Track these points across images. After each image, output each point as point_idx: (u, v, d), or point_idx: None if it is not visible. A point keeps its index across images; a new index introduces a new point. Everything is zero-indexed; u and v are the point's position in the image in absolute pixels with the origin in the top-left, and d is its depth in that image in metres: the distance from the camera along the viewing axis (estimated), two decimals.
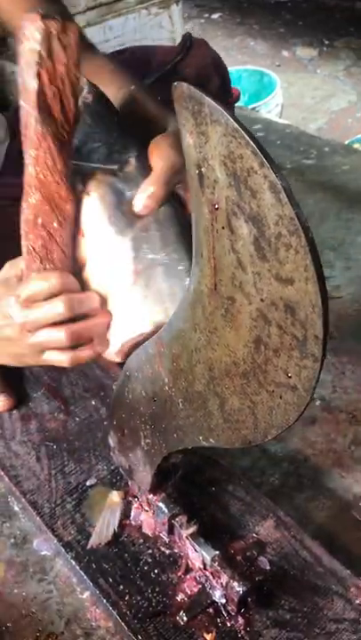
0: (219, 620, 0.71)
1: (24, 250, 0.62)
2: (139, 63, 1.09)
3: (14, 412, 0.95)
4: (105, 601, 0.74)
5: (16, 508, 0.87)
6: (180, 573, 0.75)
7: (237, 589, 0.69)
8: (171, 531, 0.76)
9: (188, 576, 0.75)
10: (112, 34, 1.81)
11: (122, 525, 0.80)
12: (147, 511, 0.79)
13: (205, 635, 0.70)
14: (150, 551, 0.78)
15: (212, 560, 0.70)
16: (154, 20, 1.88)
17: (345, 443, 0.96)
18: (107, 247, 0.62)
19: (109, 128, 0.66)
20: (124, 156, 0.64)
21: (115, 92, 0.78)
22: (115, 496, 0.81)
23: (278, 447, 0.95)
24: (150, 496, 0.76)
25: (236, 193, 0.40)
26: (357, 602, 0.73)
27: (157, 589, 0.74)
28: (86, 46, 0.89)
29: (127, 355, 0.65)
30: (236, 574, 0.69)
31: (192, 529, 0.74)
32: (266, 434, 0.49)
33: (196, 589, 0.73)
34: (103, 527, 0.79)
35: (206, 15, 3.63)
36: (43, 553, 0.83)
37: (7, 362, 0.68)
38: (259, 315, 0.43)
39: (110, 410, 0.77)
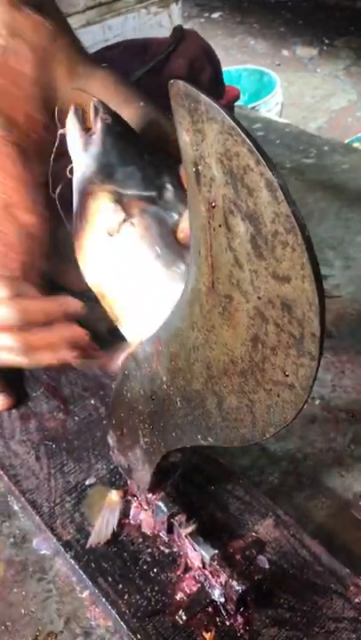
0: (218, 618, 0.71)
1: None
2: (131, 56, 1.09)
3: (13, 411, 0.95)
4: (104, 600, 0.74)
5: (15, 508, 0.87)
6: (179, 572, 0.75)
7: (236, 588, 0.69)
8: (170, 530, 0.76)
9: (187, 575, 0.75)
10: (111, 33, 1.81)
11: (121, 524, 0.80)
12: (146, 510, 0.79)
13: (204, 633, 0.70)
14: (149, 550, 0.78)
15: (212, 559, 0.70)
16: (153, 19, 1.88)
17: (345, 442, 0.96)
18: (155, 282, 0.60)
19: (139, 150, 0.65)
20: (159, 181, 0.62)
21: (124, 109, 0.78)
22: (114, 495, 0.81)
23: (278, 446, 0.95)
24: (149, 495, 0.76)
25: (232, 191, 0.40)
26: (357, 601, 0.72)
27: (156, 588, 0.74)
28: (85, 58, 0.89)
29: None
30: (236, 573, 0.69)
31: (191, 528, 0.74)
32: (264, 432, 0.49)
33: (195, 588, 0.73)
34: (102, 526, 0.79)
35: (206, 14, 3.63)
36: (42, 552, 0.83)
37: None
38: (256, 313, 0.43)
39: (109, 409, 0.76)
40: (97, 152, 0.63)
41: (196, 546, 0.72)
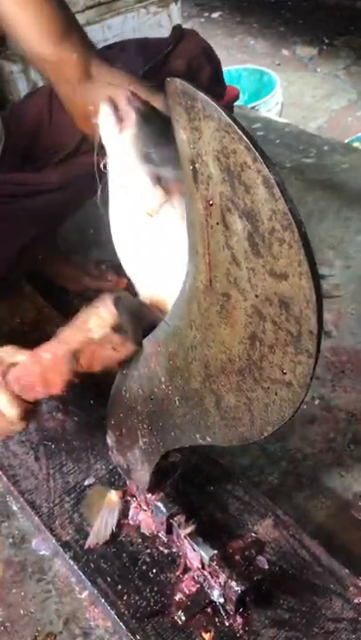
0: (217, 619, 0.71)
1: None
2: (129, 57, 1.08)
3: None
4: (103, 600, 0.73)
5: (14, 508, 0.87)
6: (178, 573, 0.75)
7: (236, 589, 0.68)
8: (169, 530, 0.76)
9: (186, 575, 0.74)
10: (111, 33, 1.81)
11: (120, 525, 0.79)
12: (145, 510, 0.78)
13: (203, 634, 0.70)
14: (148, 551, 0.77)
15: (211, 559, 0.70)
16: (153, 19, 1.88)
17: (344, 442, 0.95)
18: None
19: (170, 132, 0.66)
20: None
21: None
22: (113, 495, 0.81)
23: (277, 446, 0.95)
24: (149, 495, 0.76)
25: (229, 188, 0.39)
26: (356, 601, 0.72)
27: (156, 589, 0.74)
28: (95, 58, 0.89)
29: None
30: (235, 574, 0.69)
31: (190, 528, 0.73)
32: (262, 431, 0.49)
33: (194, 589, 0.73)
34: (101, 527, 0.79)
35: (206, 14, 3.62)
36: (41, 553, 0.82)
37: None
38: (254, 311, 0.43)
39: (108, 409, 0.76)
40: (133, 138, 0.65)
41: (195, 546, 0.72)
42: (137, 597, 0.73)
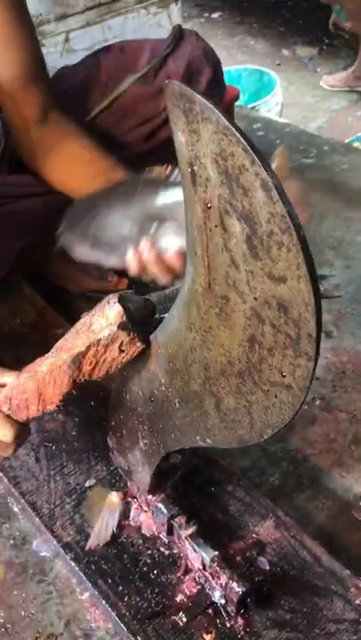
0: (218, 620, 0.71)
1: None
2: (128, 58, 1.09)
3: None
4: (104, 602, 0.73)
5: (15, 509, 0.87)
6: (179, 574, 0.75)
7: (237, 590, 0.68)
8: (170, 531, 0.76)
9: (187, 577, 0.74)
10: (111, 34, 1.81)
11: (121, 526, 0.79)
12: (146, 512, 0.78)
13: (205, 635, 0.70)
14: (149, 552, 0.77)
15: (212, 560, 0.70)
16: (153, 19, 1.88)
17: (345, 442, 0.95)
18: None
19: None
20: None
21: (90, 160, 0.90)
22: (114, 497, 0.81)
23: (278, 447, 0.95)
24: (149, 497, 0.76)
25: (228, 191, 0.39)
26: (357, 602, 0.72)
27: (157, 590, 0.74)
28: (55, 105, 0.95)
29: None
30: (236, 575, 0.69)
31: (191, 529, 0.73)
32: (262, 433, 0.49)
33: (195, 590, 0.73)
34: (102, 528, 0.79)
35: (206, 14, 3.62)
36: (42, 554, 0.82)
37: None
38: (253, 313, 0.43)
39: (109, 410, 0.76)
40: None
41: (196, 547, 0.72)
42: (138, 599, 0.73)
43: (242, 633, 0.70)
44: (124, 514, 0.80)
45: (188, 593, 0.73)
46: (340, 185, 1.53)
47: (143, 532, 0.79)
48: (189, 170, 0.42)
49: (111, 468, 0.86)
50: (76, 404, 0.96)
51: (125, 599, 0.73)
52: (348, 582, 0.74)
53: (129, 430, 0.71)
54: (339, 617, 0.71)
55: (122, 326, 0.56)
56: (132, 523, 0.80)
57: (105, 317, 0.59)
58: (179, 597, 0.73)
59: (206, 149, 0.40)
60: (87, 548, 0.78)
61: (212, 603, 0.72)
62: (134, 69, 1.07)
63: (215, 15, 3.59)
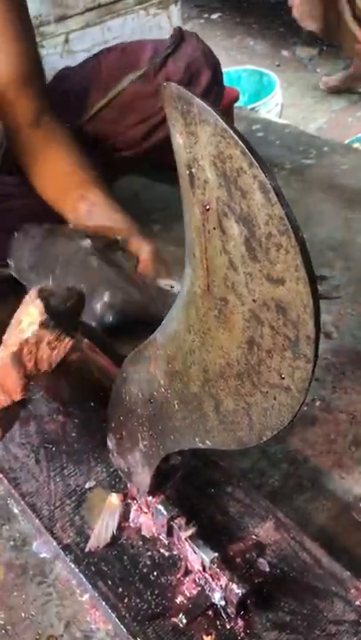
0: (218, 622, 0.71)
1: None
2: (129, 59, 1.09)
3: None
4: (104, 603, 0.73)
5: (15, 511, 0.87)
6: (179, 575, 0.75)
7: (237, 591, 0.68)
8: (170, 533, 0.76)
9: (187, 578, 0.74)
10: (111, 35, 1.81)
11: (121, 528, 0.79)
12: (146, 513, 0.78)
13: (205, 637, 0.70)
14: (149, 553, 0.77)
15: (212, 562, 0.70)
16: (153, 20, 1.88)
17: (345, 443, 0.95)
18: None
19: None
20: None
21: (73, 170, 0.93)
22: (114, 498, 0.81)
23: (278, 448, 0.95)
24: (149, 498, 0.76)
25: (226, 193, 0.39)
26: (358, 603, 0.72)
27: (156, 592, 0.74)
28: (48, 108, 0.96)
29: None
30: (236, 576, 0.69)
31: (191, 531, 0.73)
32: (261, 435, 0.49)
33: (195, 591, 0.73)
34: (102, 529, 0.79)
35: (206, 15, 3.63)
36: (42, 555, 0.82)
37: None
38: (251, 315, 0.43)
39: (108, 412, 0.76)
40: None
41: (196, 549, 0.72)
42: (138, 600, 0.73)
43: (242, 634, 0.70)
44: (124, 515, 0.80)
45: (187, 594, 0.73)
46: (339, 186, 1.53)
47: (143, 533, 0.79)
48: (188, 172, 0.42)
49: (111, 470, 0.86)
50: (76, 405, 0.96)
51: (125, 601, 0.73)
52: (348, 584, 0.74)
53: (129, 432, 0.71)
54: (339, 618, 0.71)
55: (44, 325, 0.55)
56: (131, 524, 0.80)
57: (29, 315, 0.57)
58: (179, 599, 0.73)
59: (204, 151, 0.40)
60: (87, 549, 0.78)
61: (212, 604, 0.71)
62: (135, 69, 1.08)
63: (215, 16, 3.59)
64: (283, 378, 0.43)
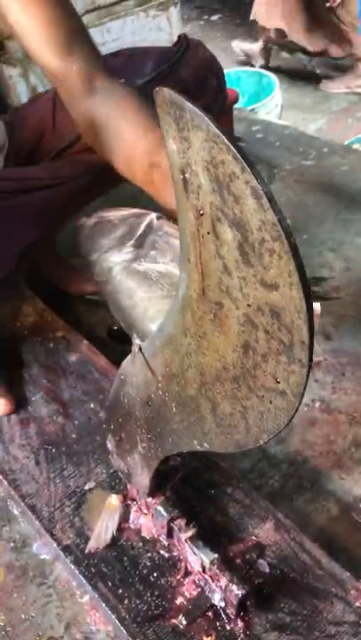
0: (218, 623, 0.71)
1: None
2: (135, 65, 1.09)
3: (13, 415, 0.96)
4: (104, 605, 0.74)
5: (15, 512, 0.88)
6: (179, 577, 0.75)
7: (236, 592, 0.68)
8: (170, 534, 0.76)
9: (187, 579, 0.75)
10: (110, 36, 1.81)
11: (121, 529, 0.80)
12: (145, 514, 0.79)
13: (205, 638, 0.70)
14: (149, 554, 0.78)
15: (211, 563, 0.70)
16: (152, 22, 1.88)
17: (345, 444, 0.96)
18: None
19: None
20: None
21: (141, 140, 0.82)
22: (113, 499, 0.81)
23: (278, 449, 0.95)
24: (149, 499, 0.76)
25: (219, 198, 0.40)
26: (357, 604, 0.72)
27: (156, 593, 0.74)
28: (102, 70, 0.89)
29: None
30: (236, 577, 0.69)
31: (191, 532, 0.73)
32: (258, 438, 0.49)
33: (195, 593, 0.73)
34: (102, 531, 0.79)
35: (206, 17, 3.63)
36: (42, 557, 0.83)
37: None
38: (246, 320, 0.43)
39: (107, 413, 0.77)
40: None
41: (195, 550, 0.72)
42: (138, 601, 0.73)
43: (242, 635, 0.70)
44: (124, 516, 0.80)
45: (187, 595, 0.73)
46: (339, 186, 1.53)
47: (143, 534, 0.79)
48: (181, 177, 0.42)
49: (111, 471, 0.86)
50: (76, 406, 0.97)
51: (125, 602, 0.73)
52: (348, 584, 0.74)
53: (128, 434, 0.72)
54: (339, 619, 0.71)
55: None
56: (131, 525, 0.80)
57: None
58: (178, 600, 0.73)
59: (197, 157, 0.40)
60: (87, 550, 0.78)
61: (212, 605, 0.72)
62: (142, 74, 1.08)
63: (215, 17, 3.59)
64: (278, 382, 0.44)
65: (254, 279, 0.40)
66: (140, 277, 0.76)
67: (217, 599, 0.71)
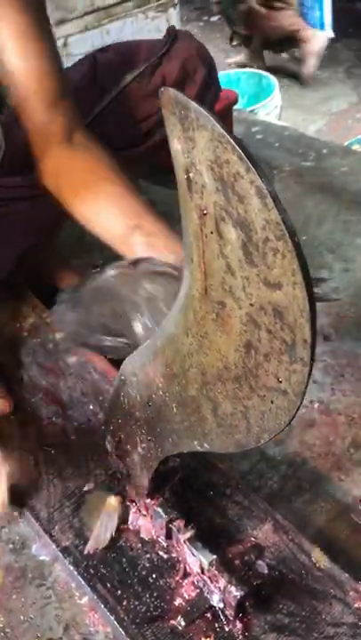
0: (217, 624, 0.71)
1: None
2: (124, 59, 1.09)
3: (12, 417, 0.95)
4: (103, 606, 0.73)
5: (14, 513, 0.87)
6: (177, 578, 0.75)
7: (235, 594, 0.68)
8: (168, 535, 0.76)
9: (185, 581, 0.74)
10: (110, 38, 1.82)
11: (119, 530, 0.79)
12: (144, 515, 0.78)
13: (203, 639, 0.70)
14: (148, 556, 0.78)
15: (210, 564, 0.70)
16: (151, 24, 1.89)
17: (344, 445, 0.96)
18: None
19: None
20: None
21: (114, 203, 0.81)
22: (112, 500, 0.81)
23: (277, 450, 0.95)
24: (148, 500, 0.76)
25: (223, 198, 0.40)
26: (356, 606, 0.72)
27: (155, 594, 0.74)
28: (82, 126, 0.89)
29: None
30: (234, 578, 0.69)
31: (189, 533, 0.73)
32: (259, 438, 0.49)
33: (193, 594, 0.73)
34: (101, 532, 0.79)
35: (205, 18, 3.64)
36: (41, 558, 0.83)
37: None
38: (249, 319, 0.43)
39: (107, 414, 0.76)
40: None
41: (194, 551, 0.72)
42: (137, 603, 0.73)
43: (240, 637, 0.70)
44: (123, 518, 0.80)
45: (186, 597, 0.73)
46: (339, 188, 1.53)
47: (142, 535, 0.79)
48: (185, 177, 0.42)
49: (110, 472, 0.86)
50: (75, 407, 0.96)
51: (124, 603, 0.73)
52: (346, 586, 0.74)
53: (127, 434, 0.71)
54: (337, 620, 0.71)
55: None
56: (130, 527, 0.80)
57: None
58: (177, 601, 0.73)
59: (202, 156, 0.40)
60: (86, 552, 0.78)
61: (211, 607, 0.72)
62: (131, 68, 1.08)
63: (214, 18, 3.60)
64: (280, 381, 0.43)
65: (257, 278, 0.40)
66: None
67: (216, 600, 0.71)
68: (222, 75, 2.26)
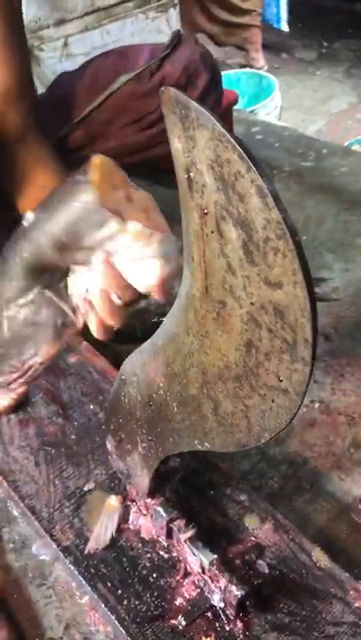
0: (217, 624, 0.71)
1: None
2: (125, 64, 1.09)
3: (12, 416, 0.95)
4: (103, 605, 0.73)
5: (15, 513, 0.87)
6: (178, 577, 0.75)
7: (236, 593, 0.68)
8: (169, 535, 0.76)
9: (186, 580, 0.74)
10: (110, 38, 1.82)
11: (120, 530, 0.80)
12: (145, 515, 0.78)
13: (204, 639, 0.70)
14: (149, 555, 0.78)
15: (211, 564, 0.70)
16: (152, 24, 1.89)
17: (344, 445, 0.96)
18: None
19: None
20: None
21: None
22: (113, 500, 0.81)
23: (277, 450, 0.95)
24: (148, 500, 0.76)
25: (224, 197, 0.40)
26: (356, 605, 0.72)
27: (156, 594, 0.74)
28: (45, 159, 0.94)
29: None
30: (235, 578, 0.69)
31: (190, 533, 0.73)
32: (259, 437, 0.50)
33: (194, 593, 0.73)
34: (101, 531, 0.79)
35: None
36: (42, 558, 0.83)
37: None
38: (249, 318, 0.43)
39: (107, 414, 0.76)
40: None
41: (195, 551, 0.72)
42: (137, 602, 0.73)
43: (241, 636, 0.70)
44: (124, 517, 0.80)
45: (187, 596, 0.73)
46: (338, 188, 1.53)
47: (142, 535, 0.79)
48: (186, 176, 0.42)
49: (110, 472, 0.86)
50: (75, 407, 0.97)
51: (125, 603, 0.73)
52: (347, 585, 0.74)
53: (128, 434, 0.72)
54: (338, 620, 0.71)
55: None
56: (131, 526, 0.80)
57: None
58: (178, 601, 0.73)
59: (202, 156, 0.40)
60: (86, 551, 0.78)
61: (212, 606, 0.72)
62: (131, 70, 1.08)
63: None
64: (281, 380, 0.44)
65: (258, 278, 0.40)
66: None
67: (216, 600, 0.71)
68: (222, 75, 2.26)
